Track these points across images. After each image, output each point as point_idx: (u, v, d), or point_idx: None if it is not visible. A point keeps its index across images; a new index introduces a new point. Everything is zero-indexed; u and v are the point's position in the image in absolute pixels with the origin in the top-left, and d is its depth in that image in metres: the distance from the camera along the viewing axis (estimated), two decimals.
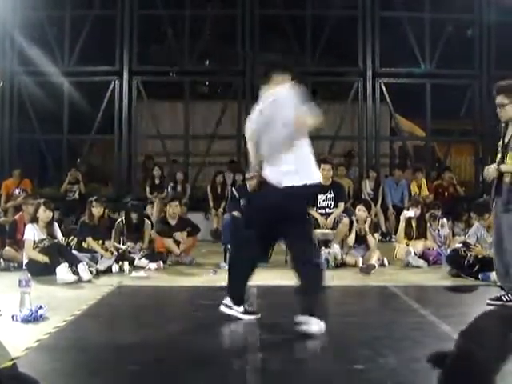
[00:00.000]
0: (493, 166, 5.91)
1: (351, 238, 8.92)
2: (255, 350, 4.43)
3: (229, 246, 8.77)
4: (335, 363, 4.25)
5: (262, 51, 14.47)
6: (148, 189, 12.89)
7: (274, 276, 7.86)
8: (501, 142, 5.91)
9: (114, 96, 14.28)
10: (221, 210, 12.23)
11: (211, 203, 12.68)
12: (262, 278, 7.59)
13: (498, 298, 5.99)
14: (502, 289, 6.07)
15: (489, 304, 5.97)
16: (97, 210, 8.71)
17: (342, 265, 8.64)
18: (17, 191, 12.08)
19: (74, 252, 8.09)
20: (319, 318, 4.73)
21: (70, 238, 9.01)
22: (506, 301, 5.93)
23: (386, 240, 11.63)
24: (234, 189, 9.81)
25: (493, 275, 6.87)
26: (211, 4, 15.42)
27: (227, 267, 5.60)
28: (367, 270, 8.03)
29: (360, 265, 8.35)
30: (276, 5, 14.42)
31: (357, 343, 4.58)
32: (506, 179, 5.70)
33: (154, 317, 5.77)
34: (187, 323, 5.57)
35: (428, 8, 14.28)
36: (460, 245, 8.05)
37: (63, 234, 8.51)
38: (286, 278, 7.57)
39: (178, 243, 9.09)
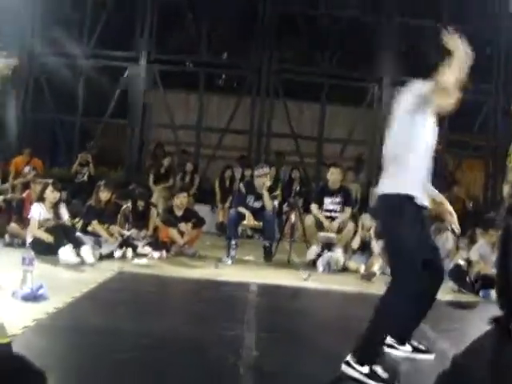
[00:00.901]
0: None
1: (355, 242, 8.91)
2: (251, 347, 4.44)
3: (232, 242, 8.80)
4: (329, 367, 4.24)
5: (282, 49, 14.51)
6: (152, 177, 12.87)
7: (277, 275, 7.88)
8: None
9: (130, 82, 14.31)
10: (227, 204, 12.23)
11: (218, 197, 12.70)
12: (264, 276, 7.66)
13: (497, 319, 5.95)
14: (502, 309, 6.04)
15: (488, 323, 5.93)
16: (104, 195, 8.71)
17: (344, 270, 8.64)
18: (26, 169, 12.10)
19: (78, 234, 8.11)
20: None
21: (76, 220, 9.04)
22: (506, 322, 5.90)
23: None
24: (241, 184, 9.80)
25: (493, 293, 6.84)
26: None
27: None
28: (368, 277, 8.02)
29: (362, 271, 8.34)
30: (299, 3, 14.39)
31: (347, 350, 4.55)
32: None
33: (152, 305, 5.80)
34: (185, 314, 5.61)
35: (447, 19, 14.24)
36: (463, 261, 8.03)
37: (69, 216, 8.52)
38: (288, 278, 7.64)
39: (182, 234, 9.10)
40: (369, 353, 3.98)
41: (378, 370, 3.94)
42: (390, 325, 4.14)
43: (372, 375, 3.88)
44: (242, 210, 9.14)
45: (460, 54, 3.88)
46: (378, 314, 3.99)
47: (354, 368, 3.91)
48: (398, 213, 4.03)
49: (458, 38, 3.97)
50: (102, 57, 14.30)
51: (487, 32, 14.31)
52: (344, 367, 3.95)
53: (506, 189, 5.93)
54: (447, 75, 3.88)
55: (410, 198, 4.04)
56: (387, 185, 4.17)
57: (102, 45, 14.22)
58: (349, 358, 3.94)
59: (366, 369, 3.90)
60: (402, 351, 4.45)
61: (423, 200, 4.11)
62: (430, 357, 4.52)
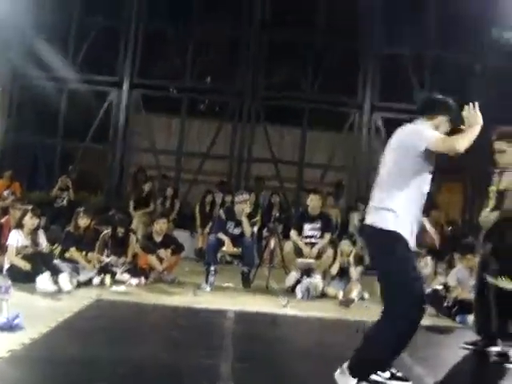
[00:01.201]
0: (487, 212, 5.92)
1: (334, 269, 8.94)
2: (227, 376, 4.43)
3: (211, 268, 8.80)
4: None
5: (263, 75, 14.63)
6: (132, 203, 12.83)
7: (255, 302, 7.88)
8: (494, 188, 5.92)
9: (112, 106, 14.36)
10: (207, 229, 12.23)
11: (198, 222, 12.70)
12: (242, 303, 7.66)
13: (474, 343, 6.01)
14: (479, 334, 6.09)
15: (464, 348, 5.99)
16: (83, 221, 8.68)
17: (322, 296, 8.65)
18: (5, 193, 12.04)
19: (56, 261, 8.07)
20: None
21: (54, 247, 8.99)
22: (481, 346, 5.96)
23: (368, 273, 11.62)
24: (221, 210, 9.83)
25: (470, 318, 6.89)
26: (219, 24, 15.47)
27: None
28: (347, 303, 8.04)
29: (340, 297, 8.36)
30: (282, 30, 14.54)
31: (326, 378, 4.56)
32: None
33: (129, 333, 5.78)
34: (162, 342, 5.60)
35: (430, 45, 14.48)
36: (440, 286, 8.08)
37: (48, 242, 8.48)
38: (267, 305, 7.65)
39: (161, 260, 9.08)
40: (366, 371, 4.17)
41: None
42: (389, 354, 4.21)
43: None
44: (221, 236, 9.16)
45: (478, 129, 4.17)
46: (377, 344, 4.14)
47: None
48: (394, 249, 4.12)
49: (479, 113, 4.26)
50: (85, 81, 14.32)
51: (469, 58, 14.60)
52: (337, 375, 4.14)
53: (484, 214, 6.02)
54: (462, 142, 4.12)
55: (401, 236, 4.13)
56: (381, 218, 4.18)
57: (85, 69, 14.25)
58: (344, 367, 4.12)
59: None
60: (382, 377, 4.43)
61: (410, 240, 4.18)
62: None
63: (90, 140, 14.46)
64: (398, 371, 4.47)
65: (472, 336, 6.14)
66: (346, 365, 4.13)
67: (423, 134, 4.16)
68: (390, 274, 4.18)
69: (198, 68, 14.71)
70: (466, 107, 4.28)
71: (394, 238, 4.10)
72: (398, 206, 4.14)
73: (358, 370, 4.13)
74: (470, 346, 6.00)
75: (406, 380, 4.44)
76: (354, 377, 4.10)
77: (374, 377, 4.28)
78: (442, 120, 4.36)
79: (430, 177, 4.33)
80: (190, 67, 14.59)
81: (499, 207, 5.72)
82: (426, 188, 4.32)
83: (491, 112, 13.81)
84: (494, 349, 5.83)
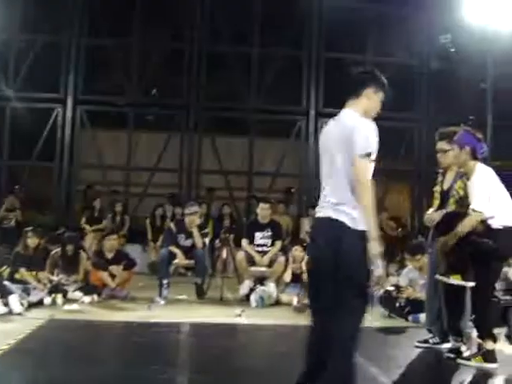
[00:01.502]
0: (432, 211, 6.05)
1: (287, 276, 9.00)
2: None
3: (164, 281, 8.77)
4: None
5: (209, 86, 14.66)
6: (84, 219, 12.74)
7: (210, 313, 7.88)
8: (438, 188, 6.06)
9: (57, 123, 14.18)
10: (159, 243, 12.17)
11: (149, 236, 12.64)
12: (197, 314, 7.65)
13: (426, 341, 6.14)
14: (430, 332, 6.22)
15: (416, 346, 6.11)
16: (32, 241, 8.57)
17: (276, 303, 8.70)
18: None
19: (5, 283, 7.92)
20: None
21: (3, 268, 8.83)
22: (433, 344, 6.08)
23: None
24: (171, 223, 9.81)
25: (422, 317, 7.01)
26: (160, 37, 15.46)
27: None
28: (301, 309, 8.09)
29: (295, 303, 8.41)
30: (224, 41, 14.60)
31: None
32: None
33: (84, 353, 5.71)
34: (117, 360, 5.57)
35: (371, 51, 14.74)
36: (392, 287, 8.20)
37: None
38: (222, 315, 7.65)
39: (113, 276, 9.01)
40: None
41: None
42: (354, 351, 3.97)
43: None
44: (173, 249, 9.14)
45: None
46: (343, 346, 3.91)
47: None
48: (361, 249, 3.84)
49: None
50: (28, 99, 14.08)
51: (411, 60, 14.97)
52: None
53: (428, 214, 6.16)
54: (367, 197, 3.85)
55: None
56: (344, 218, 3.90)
57: (27, 87, 14.01)
58: None
59: None
60: None
61: None
62: None
63: (36, 158, 14.23)
64: None
65: (425, 334, 6.26)
66: None
67: (367, 143, 3.91)
68: (358, 274, 3.86)
69: (142, 82, 14.64)
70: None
71: (364, 237, 3.83)
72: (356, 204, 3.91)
73: None
74: (423, 344, 6.13)
75: None
76: None
77: None
78: (368, 92, 4.13)
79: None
80: (134, 81, 14.52)
81: (444, 207, 5.85)
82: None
83: (432, 113, 14.24)
84: (446, 345, 5.96)
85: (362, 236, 3.79)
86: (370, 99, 4.13)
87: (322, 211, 4.07)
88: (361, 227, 3.81)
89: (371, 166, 3.91)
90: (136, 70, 14.55)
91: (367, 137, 3.89)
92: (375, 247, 3.76)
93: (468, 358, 5.48)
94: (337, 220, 3.89)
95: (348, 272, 3.80)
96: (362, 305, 3.97)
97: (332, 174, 4.04)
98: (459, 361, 5.49)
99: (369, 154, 3.88)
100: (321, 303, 4.02)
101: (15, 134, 14.18)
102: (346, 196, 3.91)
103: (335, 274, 3.84)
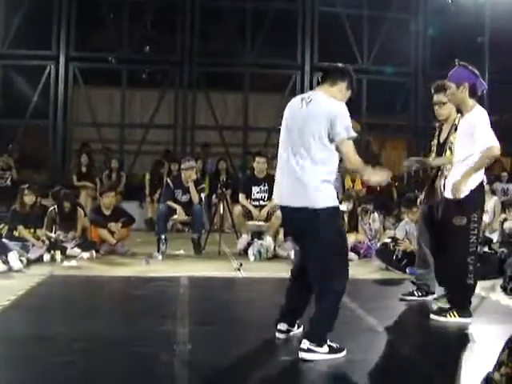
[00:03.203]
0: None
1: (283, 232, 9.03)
2: (184, 341, 4.48)
3: (162, 236, 8.80)
4: (262, 356, 4.34)
5: (202, 41, 14.51)
6: (75, 177, 12.67)
7: (208, 267, 7.93)
8: (435, 141, 6.01)
9: (50, 81, 14.04)
10: (156, 196, 12.23)
11: (147, 192, 12.65)
12: (195, 269, 7.70)
13: (411, 293, 6.15)
14: (414, 283, 6.24)
15: (401, 299, 6.11)
16: (29, 199, 8.55)
17: (274, 257, 8.75)
18: None
19: (4, 240, 7.94)
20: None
21: (1, 226, 8.85)
22: (418, 296, 6.09)
23: None
24: (168, 179, 9.80)
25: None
26: None
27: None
28: None
29: (292, 257, 8.46)
30: None
31: (282, 337, 4.64)
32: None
33: (84, 308, 5.76)
34: (117, 314, 5.60)
35: (366, 5, 14.57)
36: (389, 240, 8.26)
37: None
38: (220, 269, 7.71)
39: (112, 233, 9.04)
40: (324, 333, 4.21)
41: (332, 344, 4.22)
42: (337, 308, 4.25)
43: (333, 350, 4.19)
44: (171, 204, 9.15)
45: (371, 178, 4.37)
46: (326, 299, 4.21)
47: (315, 352, 4.13)
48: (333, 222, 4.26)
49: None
50: (20, 56, 13.92)
51: (407, 16, 14.80)
52: (304, 354, 4.12)
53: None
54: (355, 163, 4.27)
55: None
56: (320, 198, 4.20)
57: (19, 44, 13.83)
58: (306, 344, 4.13)
59: (325, 348, 4.16)
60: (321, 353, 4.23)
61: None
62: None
63: (30, 117, 14.15)
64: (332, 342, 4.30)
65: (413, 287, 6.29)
66: (305, 341, 4.16)
67: (346, 124, 4.16)
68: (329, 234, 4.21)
69: (135, 38, 14.47)
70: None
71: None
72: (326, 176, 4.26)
73: (319, 335, 4.19)
74: (408, 297, 6.13)
75: (342, 350, 4.31)
76: (320, 345, 4.15)
77: (312, 356, 4.17)
78: (342, 86, 4.37)
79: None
80: (126, 37, 14.34)
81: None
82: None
83: (428, 68, 14.13)
84: (431, 297, 6.02)
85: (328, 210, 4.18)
86: (341, 92, 4.38)
87: (289, 182, 4.34)
88: (329, 202, 4.19)
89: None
90: (128, 25, 14.34)
91: (347, 121, 4.16)
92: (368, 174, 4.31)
93: (443, 314, 5.36)
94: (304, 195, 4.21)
95: (319, 233, 4.17)
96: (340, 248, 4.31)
97: (300, 149, 4.26)
98: (433, 316, 5.38)
99: (352, 137, 4.20)
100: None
101: (8, 92, 14.05)
102: (313, 170, 4.20)
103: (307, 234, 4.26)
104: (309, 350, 4.12)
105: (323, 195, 4.20)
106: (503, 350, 2.46)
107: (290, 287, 4.62)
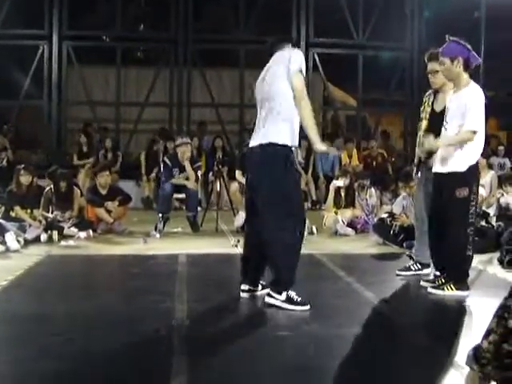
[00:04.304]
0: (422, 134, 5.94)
1: None
2: (183, 317, 4.50)
3: (165, 215, 8.84)
4: (259, 330, 4.36)
5: (197, 18, 14.40)
6: (75, 156, 12.80)
7: (206, 244, 7.95)
8: (428, 109, 5.89)
9: (43, 61, 13.95)
10: (153, 175, 12.27)
11: (143, 170, 12.64)
12: (193, 246, 7.72)
13: (407, 268, 6.13)
14: (411, 258, 6.24)
15: (398, 275, 6.10)
16: (25, 179, 8.54)
17: None
18: None
19: (1, 221, 7.92)
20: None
21: None
22: (415, 270, 6.05)
23: (316, 208, 11.85)
24: (166, 157, 9.79)
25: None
26: None
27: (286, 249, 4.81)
28: None
29: None
30: None
31: (279, 310, 4.68)
32: None
33: (82, 286, 5.78)
34: (115, 292, 5.62)
35: None
36: (386, 215, 8.27)
37: None
38: (217, 246, 7.72)
39: (109, 212, 9.04)
40: (283, 282, 4.73)
41: (293, 294, 4.70)
42: (295, 257, 4.80)
43: (289, 300, 4.68)
44: (176, 181, 9.19)
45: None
46: (281, 249, 4.73)
47: (273, 297, 4.72)
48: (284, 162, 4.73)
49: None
50: (12, 36, 13.79)
51: None
52: (267, 298, 4.77)
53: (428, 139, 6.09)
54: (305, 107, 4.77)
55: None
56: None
57: (11, 24, 13.71)
58: (269, 289, 4.78)
59: (283, 296, 4.69)
60: (279, 300, 4.75)
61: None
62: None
63: (24, 97, 14.08)
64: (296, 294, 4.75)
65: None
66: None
67: (296, 60, 4.80)
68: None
69: (129, 16, 14.37)
70: None
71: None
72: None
73: (277, 283, 4.74)
74: (405, 272, 6.12)
75: (303, 304, 4.71)
76: (278, 292, 4.70)
77: (272, 300, 4.75)
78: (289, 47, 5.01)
79: None
80: (120, 15, 14.21)
81: (435, 129, 5.59)
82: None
83: (424, 43, 14.05)
84: (425, 271, 5.99)
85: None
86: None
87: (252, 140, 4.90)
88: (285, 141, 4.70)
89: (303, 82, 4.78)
90: (122, 3, 14.19)
91: (298, 58, 4.82)
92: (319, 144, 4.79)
93: (440, 287, 5.36)
94: (263, 144, 4.74)
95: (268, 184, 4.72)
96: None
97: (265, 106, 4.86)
98: (430, 290, 5.38)
99: (301, 70, 4.76)
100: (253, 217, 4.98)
101: (1, 73, 13.96)
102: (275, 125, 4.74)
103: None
104: (269, 295, 4.76)
105: None
106: (492, 318, 2.48)
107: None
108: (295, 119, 4.74)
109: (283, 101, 4.72)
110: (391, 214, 8.17)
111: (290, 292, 4.70)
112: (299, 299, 4.69)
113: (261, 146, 4.76)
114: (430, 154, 5.67)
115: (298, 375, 3.48)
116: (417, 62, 14.28)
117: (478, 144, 5.27)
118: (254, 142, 4.85)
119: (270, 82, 4.82)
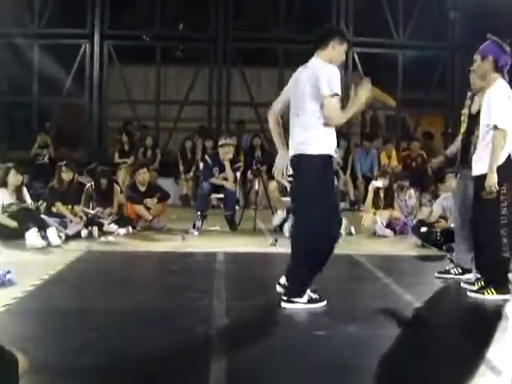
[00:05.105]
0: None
1: None
2: (222, 316, 4.51)
3: (203, 214, 8.95)
4: (297, 329, 4.35)
5: (236, 17, 14.44)
6: (117, 154, 12.96)
7: (243, 243, 7.96)
8: (466, 111, 5.83)
9: (85, 59, 14.15)
10: (191, 174, 12.34)
11: (181, 168, 12.74)
12: (231, 245, 7.74)
13: (447, 271, 6.03)
14: (452, 261, 6.15)
15: (437, 277, 6.00)
16: (66, 175, 8.67)
17: None
18: None
19: (43, 216, 8.05)
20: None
21: (40, 203, 8.99)
22: (455, 274, 5.92)
23: (354, 209, 11.78)
24: (207, 156, 9.85)
25: None
26: None
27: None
28: None
29: None
30: None
31: (318, 310, 4.68)
32: None
33: (121, 282, 5.82)
34: (154, 288, 5.66)
35: None
36: (425, 217, 8.20)
37: (32, 199, 8.47)
38: (255, 245, 7.74)
39: (148, 209, 9.13)
40: (302, 285, 4.71)
41: (311, 294, 4.71)
42: (313, 260, 4.72)
43: (311, 300, 4.70)
44: (215, 181, 9.27)
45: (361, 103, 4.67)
46: (301, 253, 4.74)
47: (294, 302, 4.67)
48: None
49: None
50: (56, 35, 14.01)
51: None
52: (284, 304, 4.69)
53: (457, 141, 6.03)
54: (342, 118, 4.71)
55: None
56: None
57: (54, 23, 13.92)
58: (285, 296, 4.72)
59: (304, 298, 4.68)
60: (301, 302, 4.74)
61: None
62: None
63: (66, 95, 14.29)
64: (315, 292, 4.78)
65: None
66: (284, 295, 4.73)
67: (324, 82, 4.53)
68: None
69: (168, 15, 14.47)
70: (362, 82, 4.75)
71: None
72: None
73: (297, 288, 4.72)
74: (444, 275, 6.02)
75: (322, 300, 4.77)
76: (299, 296, 4.67)
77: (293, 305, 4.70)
78: (334, 44, 4.74)
79: None
80: (159, 15, 14.33)
81: (472, 131, 5.56)
82: None
83: (466, 42, 13.82)
84: (466, 276, 5.83)
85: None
86: (335, 49, 4.75)
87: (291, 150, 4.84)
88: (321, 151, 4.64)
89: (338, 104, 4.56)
90: (161, 2, 14.31)
91: (330, 79, 4.52)
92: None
93: (480, 291, 5.26)
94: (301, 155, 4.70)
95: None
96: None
97: (299, 115, 4.72)
98: (470, 294, 5.29)
99: (335, 94, 4.50)
100: None
101: (45, 71, 14.17)
102: (311, 134, 4.63)
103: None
104: (288, 301, 4.68)
105: None
106: None
107: None
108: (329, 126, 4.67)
109: (314, 115, 4.62)
110: (428, 223, 8.04)
111: (308, 293, 4.73)
112: (317, 297, 4.75)
113: (297, 156, 4.77)
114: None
115: (334, 374, 3.48)
116: (458, 62, 14.12)
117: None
118: (291, 151, 4.86)
119: (301, 98, 4.68)
